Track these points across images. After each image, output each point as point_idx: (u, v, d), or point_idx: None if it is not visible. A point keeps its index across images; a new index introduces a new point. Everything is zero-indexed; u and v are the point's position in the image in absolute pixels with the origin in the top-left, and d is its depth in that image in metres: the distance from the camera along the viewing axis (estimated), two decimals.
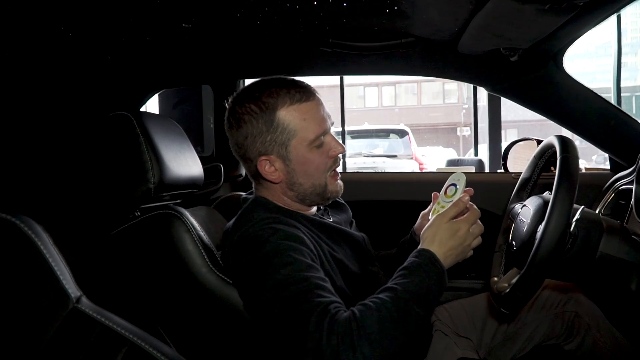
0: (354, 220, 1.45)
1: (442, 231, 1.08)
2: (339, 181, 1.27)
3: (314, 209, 1.31)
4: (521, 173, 1.40)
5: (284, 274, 1.00)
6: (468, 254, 1.10)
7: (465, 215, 1.10)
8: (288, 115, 1.16)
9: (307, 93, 1.19)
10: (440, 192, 1.18)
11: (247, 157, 1.21)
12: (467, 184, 1.15)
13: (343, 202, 1.46)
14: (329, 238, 1.22)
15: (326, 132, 1.20)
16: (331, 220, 1.31)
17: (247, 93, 1.20)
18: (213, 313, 1.21)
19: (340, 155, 1.26)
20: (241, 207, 1.24)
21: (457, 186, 1.14)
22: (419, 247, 1.09)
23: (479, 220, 1.13)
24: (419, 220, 1.34)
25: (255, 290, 1.05)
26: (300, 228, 1.15)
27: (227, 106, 1.23)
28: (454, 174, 1.17)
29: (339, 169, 1.28)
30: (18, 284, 0.89)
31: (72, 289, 0.90)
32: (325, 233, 1.22)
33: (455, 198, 1.12)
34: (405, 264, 1.04)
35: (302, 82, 1.21)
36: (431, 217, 1.13)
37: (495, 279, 1.30)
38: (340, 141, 1.23)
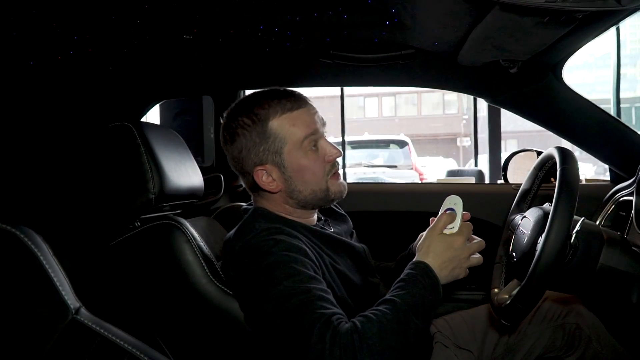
0: (354, 231, 1.44)
1: (436, 243, 1.08)
2: (341, 180, 1.26)
3: (315, 218, 1.31)
4: (521, 184, 1.40)
5: (286, 285, 1.00)
6: (465, 271, 1.09)
7: (458, 229, 1.10)
8: (278, 123, 1.17)
9: (298, 101, 1.20)
10: (437, 218, 1.15)
11: (244, 170, 1.22)
12: (467, 195, 1.15)
13: (344, 212, 1.45)
14: (330, 249, 1.22)
15: (316, 133, 1.20)
16: (332, 231, 1.31)
17: (240, 107, 1.22)
18: (213, 324, 1.20)
19: (340, 160, 1.25)
20: (241, 218, 1.24)
21: (456, 211, 1.13)
22: (414, 259, 1.09)
23: (477, 237, 1.13)
24: (418, 239, 1.33)
25: (257, 301, 1.05)
26: (301, 239, 1.15)
27: (221, 122, 1.25)
28: (449, 198, 1.15)
29: (340, 172, 1.27)
30: (17, 294, 0.88)
31: (72, 300, 0.90)
32: (326, 244, 1.22)
33: (457, 223, 1.11)
34: (402, 276, 1.05)
35: (294, 92, 1.23)
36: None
37: (496, 290, 1.29)
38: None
